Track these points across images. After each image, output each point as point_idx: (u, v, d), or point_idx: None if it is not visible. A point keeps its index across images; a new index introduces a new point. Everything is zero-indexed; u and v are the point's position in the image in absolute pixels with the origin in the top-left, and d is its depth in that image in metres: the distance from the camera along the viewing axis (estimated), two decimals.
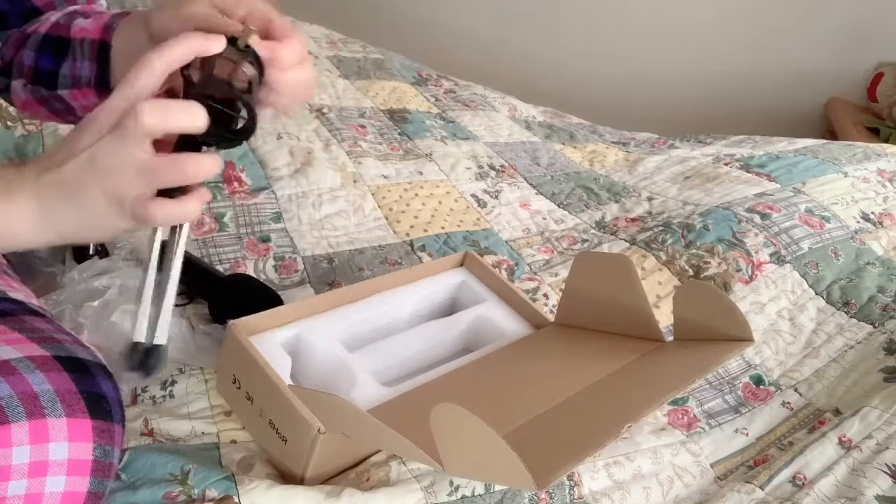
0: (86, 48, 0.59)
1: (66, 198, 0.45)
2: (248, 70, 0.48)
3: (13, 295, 0.60)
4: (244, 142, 0.48)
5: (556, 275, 1.02)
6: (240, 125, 0.48)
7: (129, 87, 0.45)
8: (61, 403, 0.48)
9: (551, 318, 0.81)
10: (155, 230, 0.51)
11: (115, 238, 0.84)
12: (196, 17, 0.49)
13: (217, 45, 0.47)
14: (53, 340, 0.53)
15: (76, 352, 0.52)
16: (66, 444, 0.47)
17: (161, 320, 0.51)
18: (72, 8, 0.65)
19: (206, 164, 0.46)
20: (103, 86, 0.59)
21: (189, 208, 0.47)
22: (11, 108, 1.10)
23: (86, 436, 0.48)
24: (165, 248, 0.52)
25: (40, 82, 0.61)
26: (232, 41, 0.48)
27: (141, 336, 0.51)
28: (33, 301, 0.63)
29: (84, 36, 0.59)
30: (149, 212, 0.45)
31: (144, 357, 0.52)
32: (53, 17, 0.63)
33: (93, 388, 0.50)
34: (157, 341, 0.52)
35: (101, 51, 0.58)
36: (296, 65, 0.50)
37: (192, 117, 0.45)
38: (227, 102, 0.47)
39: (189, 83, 0.47)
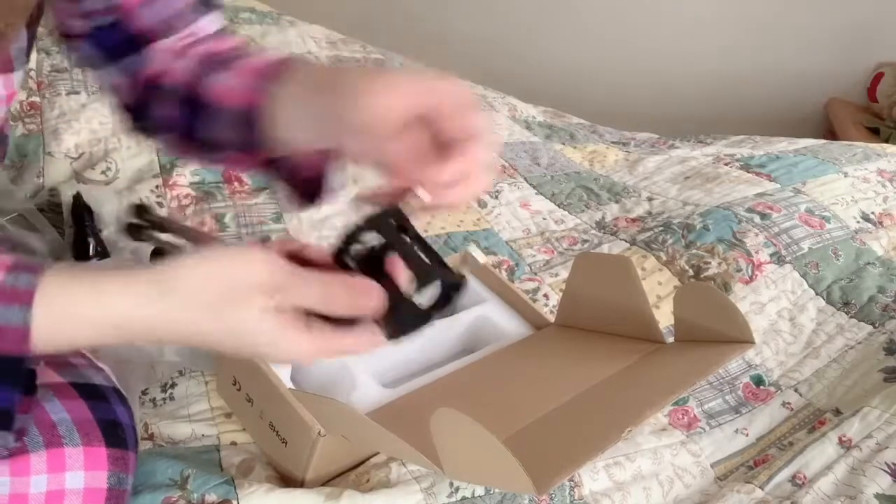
0: (231, 116, 0.51)
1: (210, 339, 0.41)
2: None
3: None
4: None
5: (557, 275, 1.02)
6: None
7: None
8: (78, 432, 0.48)
9: (551, 318, 0.81)
10: None
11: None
12: (417, 102, 0.42)
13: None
14: (69, 365, 0.53)
15: (92, 377, 0.53)
16: (81, 472, 0.48)
17: None
18: (193, 43, 0.57)
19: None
20: (249, 148, 0.52)
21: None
22: (11, 109, 1.10)
23: (101, 464, 0.49)
24: None
25: (195, 143, 0.56)
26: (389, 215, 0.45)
27: None
28: None
29: (231, 105, 0.51)
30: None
31: None
32: (179, 63, 0.55)
33: (108, 416, 0.51)
34: None
35: (248, 117, 0.50)
36: (452, 185, 0.43)
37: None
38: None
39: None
